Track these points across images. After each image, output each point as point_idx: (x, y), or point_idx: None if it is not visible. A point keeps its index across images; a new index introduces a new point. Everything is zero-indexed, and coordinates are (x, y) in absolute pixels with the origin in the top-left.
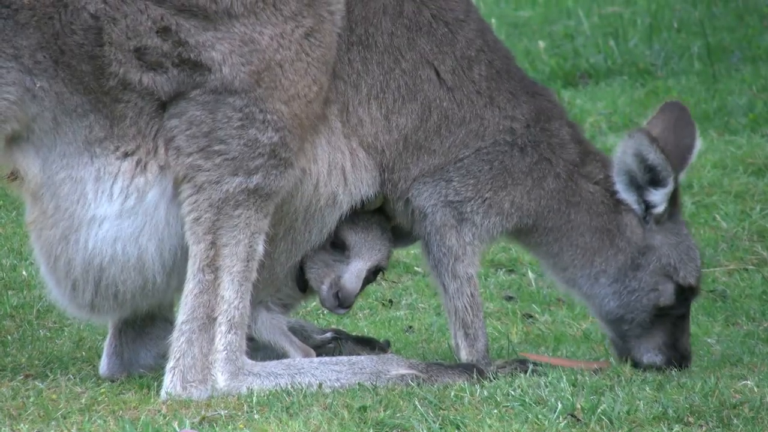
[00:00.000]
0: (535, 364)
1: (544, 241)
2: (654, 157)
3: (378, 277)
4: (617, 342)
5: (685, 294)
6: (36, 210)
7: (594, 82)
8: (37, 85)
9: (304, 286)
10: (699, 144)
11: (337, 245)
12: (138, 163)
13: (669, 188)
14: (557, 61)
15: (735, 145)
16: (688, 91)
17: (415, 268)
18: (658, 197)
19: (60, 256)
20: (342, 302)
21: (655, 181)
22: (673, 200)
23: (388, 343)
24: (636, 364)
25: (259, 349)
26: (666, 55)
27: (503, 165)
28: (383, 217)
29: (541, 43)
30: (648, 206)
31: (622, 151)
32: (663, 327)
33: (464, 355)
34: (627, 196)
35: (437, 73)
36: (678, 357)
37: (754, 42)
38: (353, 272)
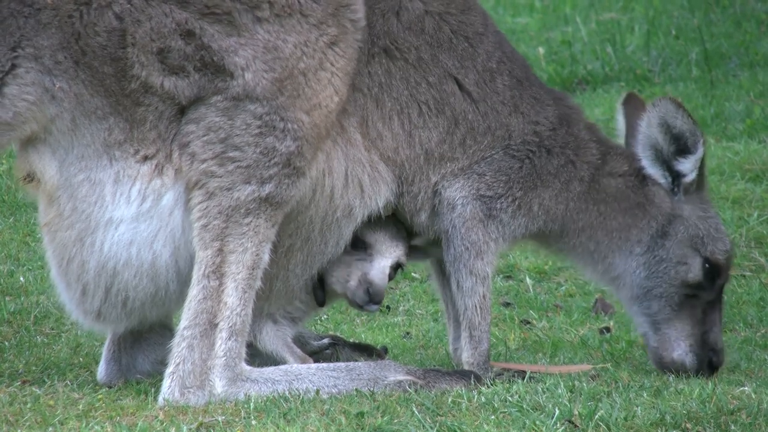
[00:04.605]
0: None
1: (578, 243)
2: (681, 122)
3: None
4: (649, 335)
5: (713, 273)
6: (51, 212)
7: (591, 89)
8: (57, 86)
9: (323, 301)
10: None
11: (356, 245)
12: (157, 166)
13: (699, 154)
14: (555, 68)
15: (732, 152)
16: (685, 98)
17: (413, 274)
18: (689, 165)
19: (74, 258)
20: (373, 297)
21: (683, 150)
22: (700, 174)
23: (385, 350)
24: (668, 366)
25: (257, 355)
26: (663, 62)
27: (533, 164)
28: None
29: (541, 50)
30: (677, 177)
31: (647, 124)
32: (693, 314)
33: (465, 357)
34: (653, 170)
35: (461, 87)
36: (708, 354)
37: (751, 48)
38: (378, 268)
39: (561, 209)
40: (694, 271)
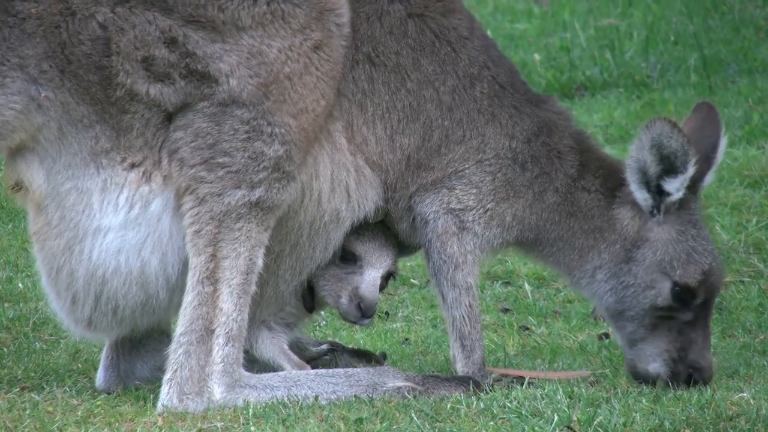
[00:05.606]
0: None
1: (549, 252)
2: (675, 142)
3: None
4: (626, 350)
5: (684, 296)
6: (40, 220)
7: (590, 95)
8: (42, 95)
9: (311, 307)
10: (724, 142)
11: (346, 258)
12: (144, 173)
13: (689, 173)
14: (553, 74)
15: (731, 157)
16: (684, 104)
17: (412, 280)
18: (676, 184)
19: (62, 267)
20: (365, 312)
21: (672, 170)
22: (689, 198)
23: (384, 356)
24: (642, 377)
25: (255, 361)
26: (662, 68)
27: (506, 177)
28: (385, 224)
29: (537, 56)
30: (661, 195)
31: (638, 147)
32: (669, 333)
33: (460, 367)
34: (639, 194)
35: (438, 94)
36: (685, 370)
37: (750, 54)
38: (369, 281)
39: (534, 219)
40: (663, 295)
